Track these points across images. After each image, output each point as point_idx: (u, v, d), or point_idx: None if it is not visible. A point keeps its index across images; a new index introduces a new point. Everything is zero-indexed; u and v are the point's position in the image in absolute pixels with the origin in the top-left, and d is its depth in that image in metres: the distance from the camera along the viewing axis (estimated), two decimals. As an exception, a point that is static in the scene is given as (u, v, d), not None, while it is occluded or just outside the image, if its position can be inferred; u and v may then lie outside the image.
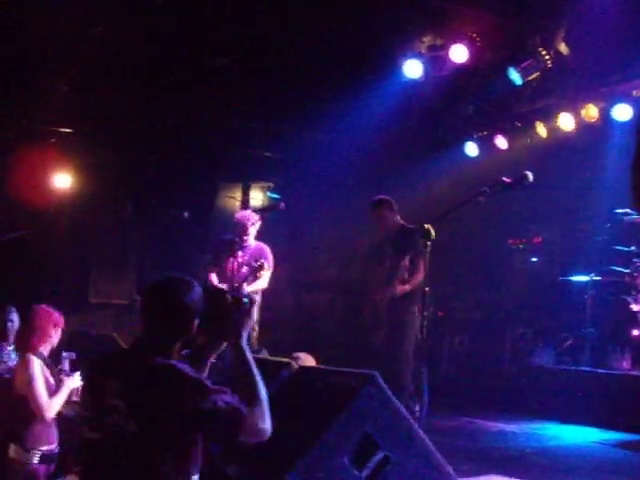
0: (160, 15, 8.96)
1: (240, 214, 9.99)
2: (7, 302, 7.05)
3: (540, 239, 11.35)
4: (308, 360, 6.38)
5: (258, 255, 9.43)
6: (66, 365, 6.31)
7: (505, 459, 7.37)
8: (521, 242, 11.49)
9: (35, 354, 5.97)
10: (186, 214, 10.39)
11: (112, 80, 10.28)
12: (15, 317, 7.01)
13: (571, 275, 10.38)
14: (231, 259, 9.47)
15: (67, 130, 11.30)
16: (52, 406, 5.88)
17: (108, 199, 11.69)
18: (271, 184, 13.09)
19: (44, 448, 5.82)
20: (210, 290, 3.80)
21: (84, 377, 3.74)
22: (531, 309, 10.98)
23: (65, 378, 6.09)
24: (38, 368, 5.94)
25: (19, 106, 10.62)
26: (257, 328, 9.70)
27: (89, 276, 11.78)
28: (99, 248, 11.88)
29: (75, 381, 6.07)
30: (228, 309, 3.72)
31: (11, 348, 6.81)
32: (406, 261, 8.35)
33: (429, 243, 5.95)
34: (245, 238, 9.44)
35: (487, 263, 11.84)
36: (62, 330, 6.33)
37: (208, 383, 3.49)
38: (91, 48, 9.57)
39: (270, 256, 9.51)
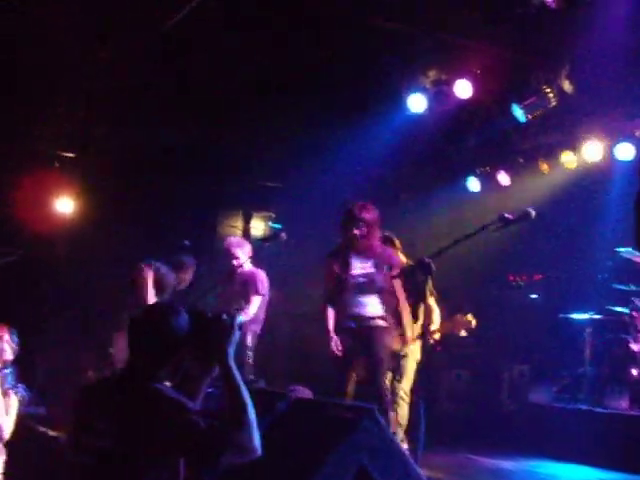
0: (165, 40, 9.00)
1: (229, 239, 10.07)
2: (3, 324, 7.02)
3: (540, 276, 11.33)
4: (305, 393, 6.36)
5: (246, 283, 9.46)
6: (8, 382, 6.47)
7: (501, 497, 7.32)
8: (521, 279, 11.47)
9: None
10: (187, 242, 10.34)
11: (116, 106, 10.32)
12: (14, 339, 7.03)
13: (571, 313, 10.36)
14: (228, 288, 9.51)
15: (70, 155, 11.32)
16: (6, 426, 6.02)
17: (109, 225, 11.68)
18: (272, 214, 13.10)
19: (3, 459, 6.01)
20: (190, 312, 3.74)
21: (76, 401, 3.71)
22: (530, 346, 10.94)
23: (7, 398, 6.26)
24: None
25: (23, 129, 10.65)
26: (252, 356, 9.67)
27: (88, 301, 11.73)
28: (98, 273, 11.83)
29: (14, 402, 6.24)
30: (209, 328, 3.68)
31: (8, 370, 6.82)
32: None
33: (429, 277, 5.94)
34: (234, 263, 9.46)
35: (487, 299, 11.81)
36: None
37: (189, 404, 3.49)
38: (95, 72, 9.60)
39: (260, 281, 9.50)
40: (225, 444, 3.44)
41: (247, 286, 9.47)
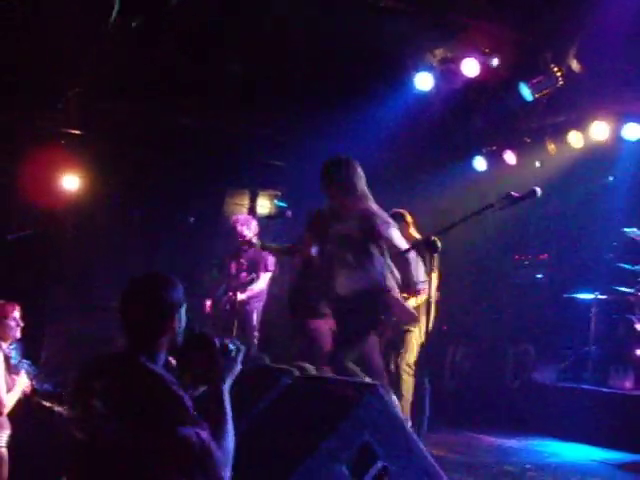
0: (174, 18, 8.97)
1: (236, 216, 10.15)
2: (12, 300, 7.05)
3: (546, 255, 11.32)
4: (310, 370, 6.36)
5: (255, 260, 9.56)
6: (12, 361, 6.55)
7: (504, 475, 7.34)
8: (527, 258, 11.47)
9: None
10: (192, 219, 10.39)
11: (123, 83, 10.30)
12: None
13: (576, 292, 10.36)
14: (233, 264, 9.59)
15: (76, 132, 11.32)
16: (7, 402, 6.09)
17: (115, 202, 11.69)
18: (278, 192, 13.09)
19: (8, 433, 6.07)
20: (197, 335, 3.67)
21: (75, 378, 3.68)
22: (535, 325, 10.95)
23: (15, 377, 6.34)
24: (0, 364, 6.12)
25: (29, 107, 10.64)
26: (257, 334, 9.77)
27: (93, 278, 11.77)
28: (104, 250, 11.86)
29: (23, 380, 6.32)
30: (214, 354, 3.61)
31: (12, 346, 6.87)
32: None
33: (435, 255, 5.95)
34: (240, 240, 9.54)
35: (492, 278, 11.82)
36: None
37: (191, 410, 3.42)
38: (102, 50, 9.58)
39: (268, 258, 9.63)
40: (204, 463, 3.39)
41: (255, 263, 9.59)
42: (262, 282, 9.80)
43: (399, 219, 8.70)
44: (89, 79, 10.17)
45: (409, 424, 7.71)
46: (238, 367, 3.68)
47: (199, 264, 12.03)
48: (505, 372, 10.79)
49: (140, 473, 3.38)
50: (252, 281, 9.63)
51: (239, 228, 9.70)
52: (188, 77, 10.33)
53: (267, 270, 9.78)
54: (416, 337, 8.41)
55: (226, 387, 3.60)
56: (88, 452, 3.50)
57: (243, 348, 3.73)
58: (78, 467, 3.60)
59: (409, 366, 8.34)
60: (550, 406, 9.57)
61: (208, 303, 10.00)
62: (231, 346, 3.68)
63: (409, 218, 8.76)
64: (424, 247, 5.97)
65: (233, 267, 9.65)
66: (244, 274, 9.53)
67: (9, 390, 6.39)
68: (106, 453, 3.43)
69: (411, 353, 8.38)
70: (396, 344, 8.44)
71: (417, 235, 8.72)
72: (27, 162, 10.72)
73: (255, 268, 9.70)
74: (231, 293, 9.42)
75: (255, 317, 9.78)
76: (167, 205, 11.74)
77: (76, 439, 3.55)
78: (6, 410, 6.31)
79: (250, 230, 9.72)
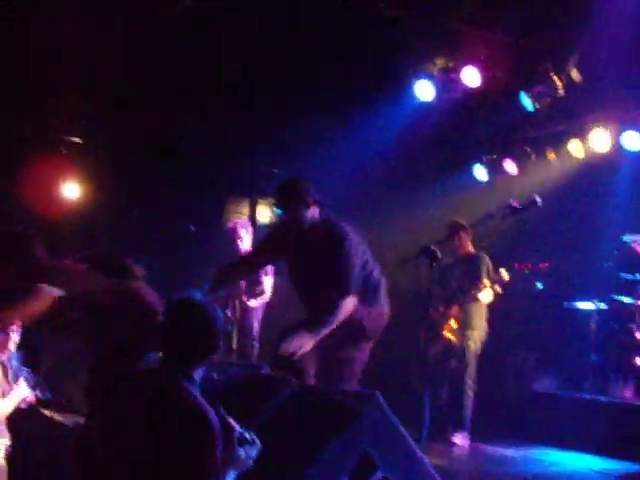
0: (175, 27, 8.99)
1: (232, 221, 10.13)
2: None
3: (546, 264, 11.31)
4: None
5: None
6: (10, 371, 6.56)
7: (504, 484, 7.34)
8: (527, 267, 11.45)
9: None
10: (193, 228, 10.39)
11: (123, 91, 10.32)
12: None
13: (576, 301, 10.35)
14: None
15: (77, 140, 11.33)
16: (2, 409, 6.11)
17: (115, 210, 11.70)
18: (278, 200, 13.07)
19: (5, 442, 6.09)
20: (219, 415, 3.55)
21: (105, 392, 3.65)
22: (535, 334, 10.93)
23: (14, 385, 6.36)
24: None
25: (29, 115, 10.66)
26: (257, 345, 9.74)
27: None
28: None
29: (23, 389, 6.35)
30: (229, 441, 3.52)
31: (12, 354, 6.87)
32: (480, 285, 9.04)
33: (434, 265, 5.95)
34: (238, 244, 9.54)
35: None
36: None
37: (214, 422, 3.42)
38: (102, 58, 9.60)
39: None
40: None
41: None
42: (267, 288, 9.74)
43: (463, 229, 8.94)
44: (89, 87, 10.18)
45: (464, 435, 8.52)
46: (249, 464, 3.60)
47: (200, 272, 12.02)
48: (505, 381, 10.77)
49: None
50: (262, 291, 9.57)
51: (239, 231, 9.71)
52: (187, 85, 10.35)
53: (267, 274, 9.74)
54: (475, 349, 9.15)
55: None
56: (111, 467, 3.48)
57: (259, 446, 3.65)
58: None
59: (472, 380, 9.07)
60: (550, 415, 9.56)
61: None
62: (248, 437, 3.60)
63: (469, 230, 9.03)
64: (424, 257, 5.98)
65: None
66: (243, 281, 9.48)
67: (2, 397, 6.40)
68: (131, 469, 3.42)
69: (472, 366, 9.15)
70: (459, 358, 9.13)
71: (472, 249, 9.02)
72: (28, 170, 10.74)
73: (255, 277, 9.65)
74: (245, 298, 9.35)
75: (256, 326, 9.73)
76: (168, 214, 11.74)
77: (99, 453, 3.53)
78: (1, 417, 6.31)
79: (249, 234, 9.74)
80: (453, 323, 9.16)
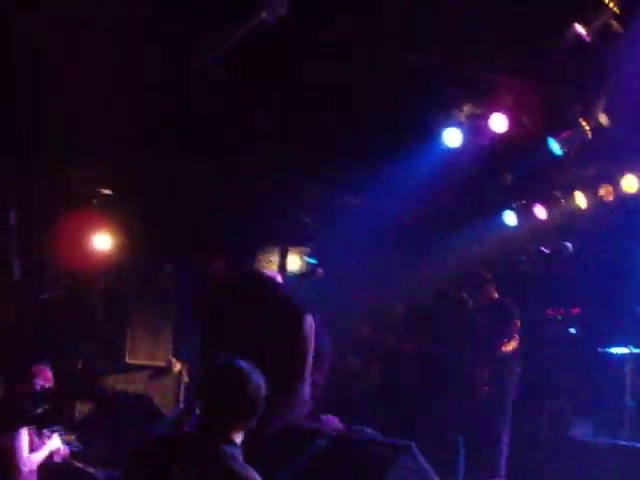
0: (204, 77, 9.07)
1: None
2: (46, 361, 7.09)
3: (578, 309, 11.23)
4: (335, 422, 6.30)
5: None
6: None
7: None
8: (559, 312, 11.38)
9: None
10: (225, 279, 10.38)
11: (151, 142, 10.41)
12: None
13: (610, 346, 10.27)
14: None
15: (108, 192, 11.44)
16: (30, 461, 6.16)
17: (147, 261, 11.77)
18: (308, 248, 13.12)
19: None
20: None
21: (142, 457, 3.67)
22: (570, 381, 10.84)
23: (46, 439, 6.44)
24: (24, 439, 6.20)
25: (59, 169, 10.78)
26: None
27: (126, 337, 11.81)
28: (137, 309, 11.92)
29: (54, 443, 6.42)
30: None
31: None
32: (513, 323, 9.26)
33: (466, 312, 5.94)
34: None
35: (525, 333, 11.72)
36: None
37: None
38: (131, 109, 9.70)
39: None
40: None
41: None
42: None
43: (480, 280, 9.06)
44: (119, 138, 10.28)
45: None
46: None
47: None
48: (541, 428, 10.67)
49: None
50: None
51: None
52: (217, 136, 10.43)
53: None
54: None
55: None
56: None
57: None
58: None
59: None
60: (587, 463, 9.44)
61: None
62: None
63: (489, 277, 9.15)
64: (457, 306, 5.97)
65: None
66: None
67: (34, 451, 6.46)
68: None
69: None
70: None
71: (495, 295, 9.12)
72: (59, 222, 10.84)
73: None
74: None
75: None
76: (199, 264, 11.79)
77: None
78: (26, 469, 6.37)
79: None
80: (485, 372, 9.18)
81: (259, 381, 3.65)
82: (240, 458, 3.51)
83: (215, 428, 3.57)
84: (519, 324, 9.35)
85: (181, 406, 8.96)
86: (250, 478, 3.42)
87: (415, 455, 4.65)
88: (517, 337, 9.33)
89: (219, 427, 3.57)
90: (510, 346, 9.15)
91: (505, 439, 9.20)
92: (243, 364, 3.66)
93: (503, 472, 9.10)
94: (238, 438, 3.60)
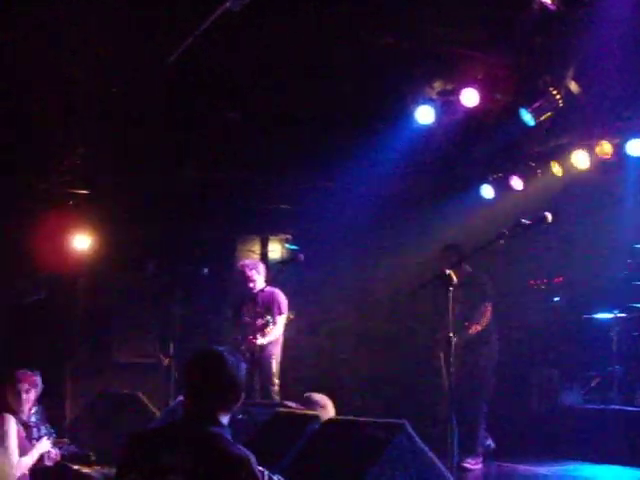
0: (174, 71, 9.04)
1: (242, 262, 10.12)
2: (29, 366, 7.05)
3: (561, 278, 11.29)
4: (325, 402, 6.31)
5: (269, 304, 9.49)
6: (37, 432, 6.64)
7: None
8: (542, 282, 11.43)
9: (11, 413, 6.25)
10: (205, 270, 10.40)
11: (128, 139, 10.37)
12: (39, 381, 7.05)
13: (595, 313, 10.32)
14: (247, 310, 9.53)
15: (84, 192, 11.38)
16: (20, 465, 6.13)
17: (127, 259, 11.73)
18: (289, 236, 13.12)
19: None
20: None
21: (134, 449, 3.72)
22: (556, 349, 10.90)
23: (36, 442, 6.41)
24: (13, 427, 6.17)
25: (36, 169, 10.72)
26: (277, 382, 9.64)
27: (111, 336, 11.78)
28: (120, 308, 11.90)
29: (44, 446, 6.39)
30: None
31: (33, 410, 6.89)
32: (483, 306, 9.12)
33: (451, 289, 5.93)
34: (250, 285, 9.53)
35: (509, 305, 11.77)
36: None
37: (252, 461, 3.50)
38: (106, 108, 9.66)
39: (281, 301, 9.58)
40: None
41: (270, 307, 9.50)
42: (279, 326, 9.68)
43: (454, 251, 8.94)
44: (92, 137, 10.24)
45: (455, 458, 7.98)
46: None
47: (214, 313, 12.04)
48: (530, 398, 10.73)
49: None
50: (267, 324, 9.48)
51: (248, 272, 9.71)
52: (191, 128, 10.40)
53: (281, 313, 9.68)
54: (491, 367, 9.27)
55: None
56: None
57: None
58: None
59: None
60: (578, 429, 9.51)
61: None
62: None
63: (462, 251, 8.97)
64: (439, 281, 5.96)
65: (247, 313, 9.59)
66: (259, 321, 9.44)
67: (24, 454, 6.43)
68: None
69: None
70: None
71: (469, 269, 8.98)
72: (37, 225, 10.79)
73: (269, 312, 9.61)
74: (251, 337, 9.29)
75: (274, 364, 9.62)
76: (180, 257, 11.78)
77: None
78: (18, 473, 6.33)
79: (259, 274, 9.73)
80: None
81: (240, 364, 3.79)
82: (230, 438, 3.59)
83: (201, 412, 3.67)
84: (491, 298, 9.25)
85: (173, 400, 8.94)
86: (243, 456, 3.48)
87: (409, 434, 4.67)
88: (489, 309, 9.20)
89: (205, 411, 3.67)
90: (480, 325, 9.05)
91: (484, 410, 9.15)
92: (225, 350, 3.82)
93: (480, 449, 9.04)
94: (225, 420, 3.70)
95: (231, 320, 10.35)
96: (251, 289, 9.65)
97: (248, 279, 9.68)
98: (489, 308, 9.20)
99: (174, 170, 11.21)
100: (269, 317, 9.44)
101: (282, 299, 9.67)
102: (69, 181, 11.22)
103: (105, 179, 11.20)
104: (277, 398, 9.37)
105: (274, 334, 9.53)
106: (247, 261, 10.30)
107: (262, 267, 9.98)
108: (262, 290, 9.50)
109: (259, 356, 9.35)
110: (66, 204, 11.36)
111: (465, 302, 8.81)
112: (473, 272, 9.20)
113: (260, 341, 9.31)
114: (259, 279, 9.74)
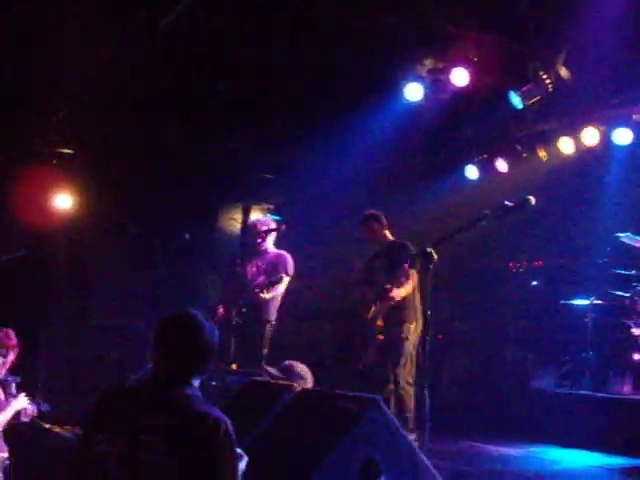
0: (163, 38, 9.00)
1: (255, 218, 9.92)
2: (6, 324, 7.04)
3: (541, 262, 11.34)
4: (305, 374, 6.30)
5: (275, 263, 9.30)
6: (12, 388, 6.63)
7: (506, 483, 7.36)
8: (521, 265, 11.48)
9: None
10: (187, 235, 10.35)
11: (112, 101, 10.31)
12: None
13: (572, 298, 10.37)
14: (249, 266, 9.38)
15: (68, 151, 11.31)
16: None
17: (109, 220, 11.68)
18: (271, 205, 13.10)
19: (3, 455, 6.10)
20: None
21: (103, 407, 3.75)
22: (531, 333, 10.96)
23: (11, 399, 6.41)
24: None
25: (20, 128, 10.64)
26: (267, 350, 9.37)
27: (90, 298, 11.76)
28: (100, 269, 11.86)
29: (20, 402, 6.41)
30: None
31: (11, 378, 6.91)
32: (401, 276, 8.45)
33: (431, 267, 5.94)
34: (259, 242, 9.36)
35: (487, 287, 11.83)
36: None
37: (223, 421, 3.53)
38: (91, 70, 9.60)
39: (289, 263, 9.30)
40: None
41: (276, 266, 9.28)
42: (282, 286, 9.27)
43: (374, 220, 8.77)
44: (77, 97, 10.18)
45: (413, 436, 7.76)
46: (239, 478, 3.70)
47: (195, 279, 12.03)
48: (503, 380, 10.80)
49: None
50: (271, 283, 9.25)
51: (260, 227, 9.44)
52: (177, 93, 10.36)
53: (288, 274, 9.32)
54: (413, 347, 8.47)
55: None
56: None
57: (246, 458, 3.80)
58: None
59: (412, 377, 8.39)
60: (549, 413, 9.58)
61: (220, 310, 9.56)
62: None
63: (384, 220, 8.79)
64: (420, 259, 5.97)
65: (250, 271, 9.43)
66: (262, 278, 9.27)
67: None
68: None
69: (411, 364, 8.41)
70: (395, 356, 8.49)
71: (391, 237, 8.81)
72: (19, 182, 10.72)
73: (275, 271, 9.24)
74: (257, 290, 9.05)
75: (268, 330, 9.27)
76: (161, 221, 11.73)
77: (115, 474, 3.54)
78: None
79: (271, 233, 9.51)
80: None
81: (211, 326, 3.80)
82: (202, 399, 3.64)
83: (176, 374, 3.68)
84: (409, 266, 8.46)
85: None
86: (221, 417, 3.51)
87: (382, 409, 4.69)
88: (415, 277, 8.47)
89: (179, 373, 3.68)
90: (405, 289, 8.44)
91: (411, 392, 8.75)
92: (196, 313, 3.82)
93: (414, 426, 8.67)
94: (196, 383, 3.73)
95: (225, 269, 10.04)
96: (259, 245, 9.46)
97: (258, 234, 9.45)
98: (415, 276, 8.47)
99: (158, 133, 11.16)
100: (281, 274, 9.20)
101: (290, 260, 9.38)
102: (53, 140, 11.15)
103: (89, 140, 11.13)
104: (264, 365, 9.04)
105: (275, 293, 9.25)
106: (263, 219, 10.02)
107: (274, 231, 9.73)
108: (269, 251, 9.38)
109: (254, 317, 9.11)
110: (50, 163, 11.29)
111: (389, 270, 8.64)
112: (397, 240, 8.89)
113: (266, 295, 9.05)
114: (269, 239, 9.53)
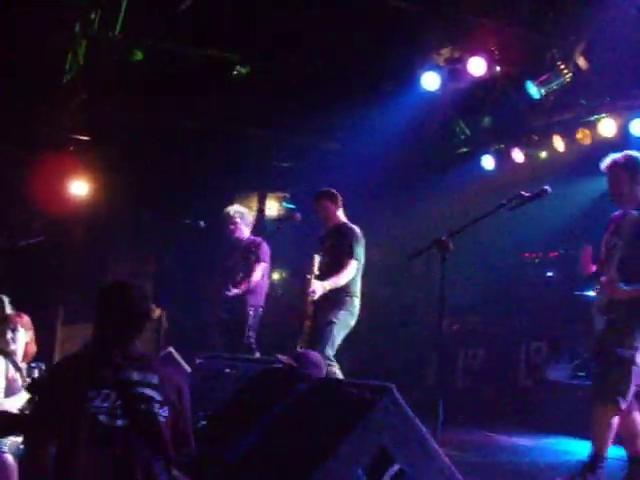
0: (180, 24, 9.00)
1: (231, 207, 9.92)
2: (23, 310, 7.07)
3: (557, 253, 11.30)
4: (319, 361, 6.28)
5: (247, 249, 9.28)
6: (36, 374, 6.66)
7: (518, 474, 7.35)
8: (537, 256, 11.45)
9: (2, 355, 6.27)
10: (202, 223, 10.36)
11: (130, 88, 10.33)
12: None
13: (586, 289, 10.33)
14: (232, 258, 9.48)
15: (85, 138, 11.35)
16: (3, 405, 6.13)
17: (124, 207, 11.73)
18: (287, 194, 13.11)
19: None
20: None
21: (70, 371, 4.05)
22: (546, 323, 10.93)
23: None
24: (2, 366, 6.18)
25: (37, 114, 10.67)
26: (254, 336, 9.30)
27: (106, 282, 11.79)
28: (115, 255, 11.90)
29: None
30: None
31: (34, 365, 6.94)
32: (346, 263, 8.22)
33: (446, 256, 5.93)
34: (231, 228, 9.44)
35: (502, 277, 11.80)
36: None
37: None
38: (109, 56, 9.61)
39: (262, 249, 9.22)
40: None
41: (248, 254, 9.25)
42: (257, 274, 9.21)
43: (327, 197, 8.60)
44: (95, 85, 10.19)
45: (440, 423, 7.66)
46: None
47: (209, 266, 12.05)
48: (518, 371, 10.79)
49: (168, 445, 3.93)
50: (243, 277, 9.24)
51: (232, 216, 9.56)
52: (196, 81, 10.35)
53: (259, 261, 9.25)
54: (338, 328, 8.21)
55: None
56: (129, 435, 3.84)
57: None
58: (110, 451, 3.83)
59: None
60: (563, 404, 9.55)
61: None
62: None
63: (339, 200, 8.63)
64: (436, 248, 5.96)
65: (231, 261, 9.49)
66: (238, 270, 9.32)
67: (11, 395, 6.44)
68: (153, 434, 3.89)
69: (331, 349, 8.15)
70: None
71: (343, 219, 8.63)
72: (36, 169, 10.76)
73: (248, 259, 9.22)
74: (225, 289, 9.13)
75: (251, 318, 9.19)
76: (177, 209, 11.76)
77: (107, 425, 3.81)
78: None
79: (243, 220, 9.59)
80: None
81: (144, 291, 4.22)
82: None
83: (123, 338, 4.05)
84: (357, 256, 8.29)
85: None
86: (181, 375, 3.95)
87: (395, 397, 4.68)
88: (352, 266, 8.20)
89: (126, 337, 4.06)
90: (339, 279, 8.11)
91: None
92: (128, 281, 4.25)
93: None
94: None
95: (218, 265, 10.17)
96: (232, 232, 9.53)
97: (230, 222, 9.52)
98: (353, 265, 8.21)
99: (176, 121, 11.17)
100: (244, 269, 9.21)
101: (262, 247, 9.28)
102: (70, 126, 11.18)
103: (106, 126, 11.15)
104: (252, 352, 9.05)
105: (251, 283, 9.18)
106: (235, 206, 10.03)
107: (249, 216, 9.76)
108: (243, 238, 9.47)
109: (235, 305, 9.14)
110: (66, 149, 11.33)
111: (328, 252, 8.38)
112: (345, 224, 8.56)
113: (234, 292, 9.14)
114: (243, 228, 9.59)
